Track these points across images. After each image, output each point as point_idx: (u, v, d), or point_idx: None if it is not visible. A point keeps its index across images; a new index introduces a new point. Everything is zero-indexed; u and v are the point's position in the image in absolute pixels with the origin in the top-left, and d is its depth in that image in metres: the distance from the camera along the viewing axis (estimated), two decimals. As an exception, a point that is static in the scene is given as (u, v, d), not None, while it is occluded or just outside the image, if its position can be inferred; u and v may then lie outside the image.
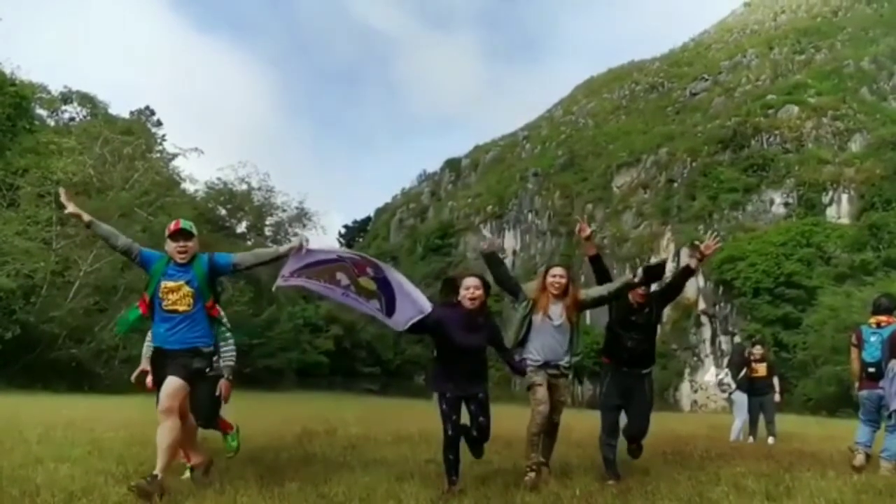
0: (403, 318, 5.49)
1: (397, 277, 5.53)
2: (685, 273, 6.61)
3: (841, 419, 24.33)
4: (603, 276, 6.38)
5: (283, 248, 5.39)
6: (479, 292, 5.44)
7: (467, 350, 5.42)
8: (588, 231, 6.28)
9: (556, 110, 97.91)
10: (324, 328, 54.23)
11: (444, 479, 5.40)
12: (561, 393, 6.20)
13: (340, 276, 5.48)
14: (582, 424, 9.46)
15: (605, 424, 6.34)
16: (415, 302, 5.49)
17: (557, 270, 6.23)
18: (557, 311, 6.10)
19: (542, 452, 6.00)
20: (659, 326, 6.57)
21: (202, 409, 6.07)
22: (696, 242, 6.66)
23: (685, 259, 45.01)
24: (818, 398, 34.24)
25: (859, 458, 7.23)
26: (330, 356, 53.77)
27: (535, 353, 6.08)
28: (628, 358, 6.32)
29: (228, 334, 6.40)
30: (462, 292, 5.47)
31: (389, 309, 5.51)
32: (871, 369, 7.46)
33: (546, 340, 6.06)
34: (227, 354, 6.55)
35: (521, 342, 6.16)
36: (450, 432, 5.38)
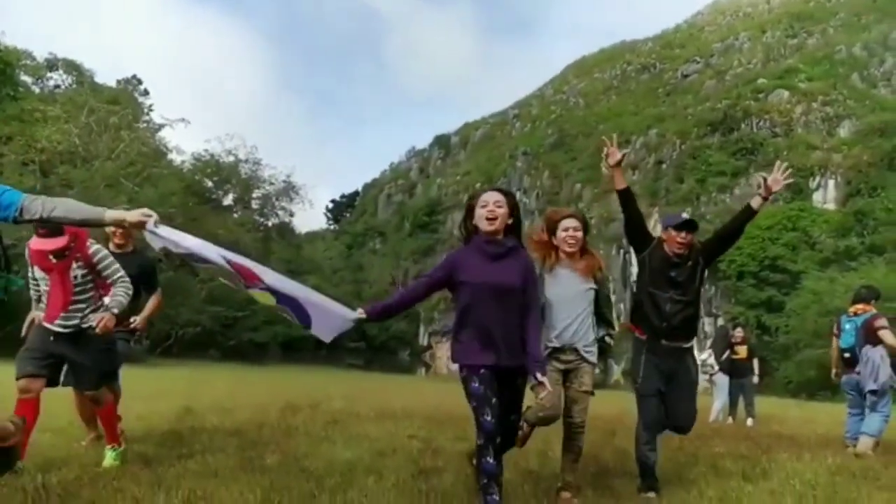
0: (327, 327, 4.30)
1: (301, 294, 4.25)
2: (746, 215, 4.90)
3: (820, 402, 24.67)
4: (634, 217, 4.92)
5: (109, 216, 3.54)
6: (502, 210, 3.98)
7: (498, 290, 3.90)
8: (618, 156, 4.71)
9: (547, 89, 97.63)
10: (310, 303, 54.16)
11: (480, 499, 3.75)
12: (582, 381, 4.55)
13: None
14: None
15: (645, 417, 4.82)
16: (335, 313, 4.28)
17: (571, 223, 4.66)
18: (572, 274, 4.63)
19: (563, 472, 4.56)
20: (700, 292, 5.03)
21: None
22: (763, 175, 4.95)
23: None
24: (798, 381, 34.60)
25: (851, 451, 7.40)
26: (315, 330, 53.77)
27: (546, 334, 4.51)
28: (668, 328, 4.81)
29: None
30: (479, 212, 4.02)
31: (301, 318, 4.28)
32: (846, 355, 7.89)
33: (559, 315, 4.55)
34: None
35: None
36: (488, 421, 3.72)
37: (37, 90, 42.03)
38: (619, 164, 4.74)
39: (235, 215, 53.48)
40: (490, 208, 3.97)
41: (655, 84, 77.84)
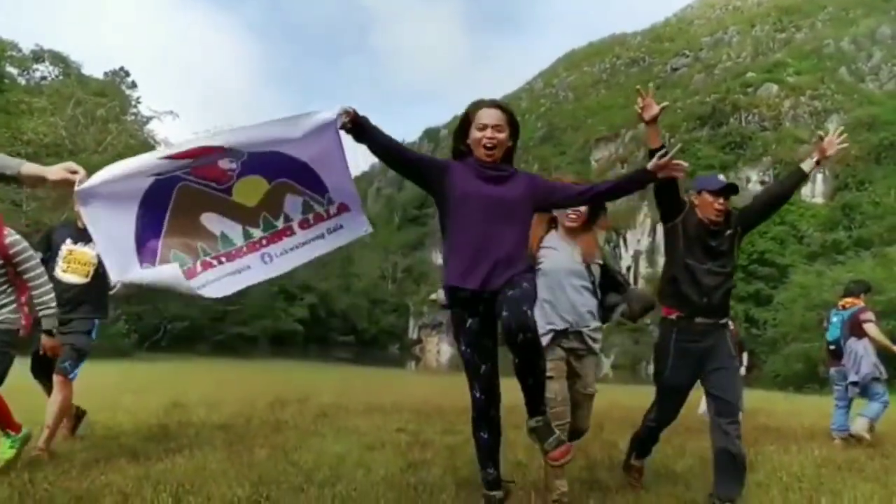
0: (338, 167, 3.41)
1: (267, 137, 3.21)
2: (797, 178, 4.37)
3: (807, 395, 24.84)
4: (668, 180, 4.00)
5: (25, 170, 2.93)
6: (503, 135, 3.42)
7: (495, 205, 3.35)
8: (655, 110, 3.97)
9: (537, 82, 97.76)
10: (298, 296, 54.24)
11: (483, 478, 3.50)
12: (586, 381, 4.18)
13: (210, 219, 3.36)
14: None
15: (662, 415, 4.48)
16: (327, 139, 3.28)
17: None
18: (572, 248, 4.19)
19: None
20: (736, 263, 4.49)
21: None
22: (821, 133, 4.25)
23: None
24: (786, 374, 34.88)
25: (837, 444, 7.48)
26: (304, 324, 53.87)
27: (544, 315, 4.04)
28: (706, 303, 4.21)
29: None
30: (475, 135, 3.42)
31: (318, 189, 3.47)
32: (832, 347, 8.08)
33: (560, 291, 4.11)
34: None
35: None
36: (478, 398, 3.40)
37: (23, 82, 41.77)
38: (655, 119, 4.00)
39: (224, 208, 53.34)
40: (489, 134, 3.39)
41: (645, 78, 77.85)
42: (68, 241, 5.10)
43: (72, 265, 5.07)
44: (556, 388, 4.00)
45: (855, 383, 7.64)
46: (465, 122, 3.50)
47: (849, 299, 8.01)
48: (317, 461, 4.85)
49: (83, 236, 4.96)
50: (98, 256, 4.87)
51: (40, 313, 4.32)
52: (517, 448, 5.45)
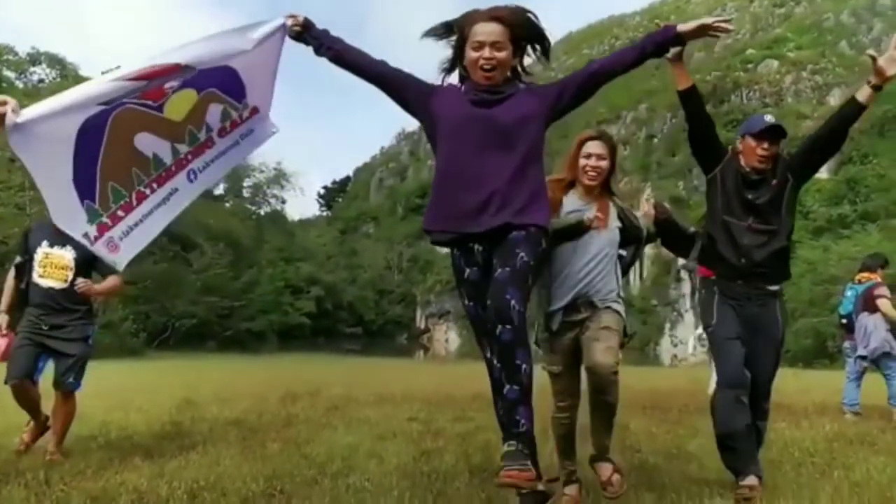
0: (264, 89, 3.48)
1: (218, 51, 3.15)
2: (852, 111, 3.71)
3: (817, 370, 24.84)
4: (702, 124, 3.77)
5: None
6: (503, 54, 2.92)
7: (478, 127, 2.92)
8: (681, 46, 3.38)
9: (536, 67, 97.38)
10: (305, 290, 54.35)
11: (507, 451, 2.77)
12: (601, 320, 3.50)
13: (145, 139, 3.28)
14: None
15: (726, 366, 3.73)
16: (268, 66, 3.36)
17: (595, 147, 3.68)
18: (587, 209, 3.68)
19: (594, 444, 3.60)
20: (792, 220, 3.85)
21: None
22: (872, 55, 3.44)
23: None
24: (795, 350, 34.82)
25: (848, 418, 7.49)
26: (311, 318, 54.01)
27: (556, 289, 3.59)
28: (747, 265, 3.71)
29: None
30: (470, 56, 2.96)
31: (234, 92, 3.39)
32: (844, 321, 8.12)
33: (567, 260, 3.60)
34: None
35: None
36: (492, 364, 2.86)
37: (20, 85, 41.77)
38: (680, 56, 3.51)
39: (227, 204, 53.54)
40: (486, 54, 2.89)
41: (644, 58, 77.72)
42: (44, 243, 4.81)
43: (48, 269, 4.78)
44: (562, 386, 3.66)
45: (863, 357, 7.66)
46: (460, 41, 3.01)
47: (864, 274, 8.00)
48: (329, 453, 4.86)
49: (60, 238, 4.66)
50: (75, 260, 4.77)
51: None
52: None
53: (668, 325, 52.00)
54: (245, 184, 55.66)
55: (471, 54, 2.94)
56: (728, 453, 3.68)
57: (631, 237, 3.83)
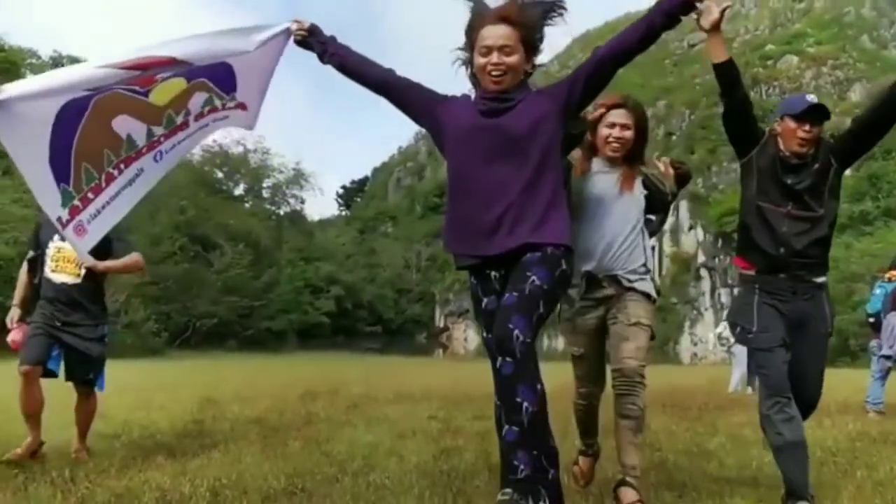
0: (255, 91, 3.41)
1: (214, 49, 3.07)
2: None
3: (839, 368, 24.56)
4: (738, 102, 3.42)
5: None
6: (513, 58, 2.70)
7: (485, 139, 2.71)
8: (716, 14, 3.07)
9: (552, 65, 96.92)
10: (324, 289, 54.56)
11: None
12: (629, 312, 3.26)
13: (123, 122, 3.20)
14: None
15: (770, 379, 3.32)
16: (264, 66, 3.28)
17: (619, 116, 3.43)
18: (610, 177, 3.43)
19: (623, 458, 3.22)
20: (836, 206, 3.49)
21: None
22: None
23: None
24: (817, 348, 34.51)
25: (872, 417, 7.43)
26: (331, 317, 54.22)
27: (582, 251, 3.23)
28: (787, 255, 3.37)
29: None
30: (478, 62, 2.75)
31: (225, 86, 3.31)
32: (872, 319, 8.04)
33: (591, 229, 3.33)
34: None
35: None
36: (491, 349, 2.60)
37: (43, 89, 42.20)
38: (718, 25, 3.16)
39: (247, 205, 53.79)
40: (494, 60, 2.68)
41: (662, 55, 77.18)
42: (56, 237, 4.64)
43: (60, 264, 4.67)
44: (585, 371, 3.44)
45: (888, 357, 7.57)
46: (469, 46, 2.80)
47: (894, 272, 7.89)
48: (350, 451, 4.89)
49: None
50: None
51: None
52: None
53: (687, 324, 51.70)
54: (265, 184, 55.94)
55: (479, 60, 2.73)
56: (783, 465, 3.35)
57: (658, 203, 3.60)
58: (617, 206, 3.38)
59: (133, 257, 4.83)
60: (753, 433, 5.88)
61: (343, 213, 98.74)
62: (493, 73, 2.70)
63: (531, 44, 2.75)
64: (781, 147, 3.43)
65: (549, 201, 2.68)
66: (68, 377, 4.77)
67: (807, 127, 3.34)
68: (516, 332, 2.40)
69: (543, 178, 2.68)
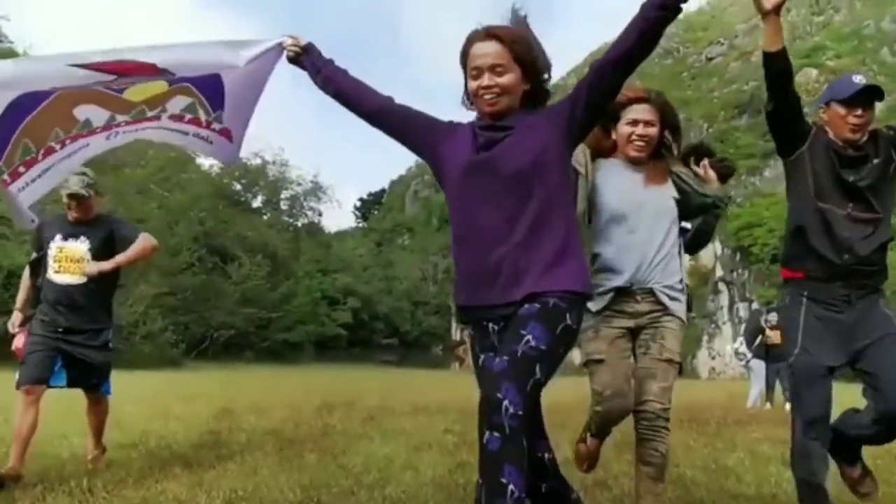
0: (240, 117, 3.14)
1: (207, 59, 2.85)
2: None
3: (859, 385, 24.25)
4: (786, 97, 3.05)
5: None
6: (506, 79, 2.39)
7: (478, 177, 2.39)
8: None
9: (570, 78, 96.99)
10: (341, 301, 54.66)
11: None
12: (663, 345, 2.98)
13: (84, 110, 2.97)
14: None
15: (807, 409, 3.08)
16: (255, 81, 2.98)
17: (643, 112, 3.10)
18: (636, 175, 3.12)
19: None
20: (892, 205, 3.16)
21: None
22: None
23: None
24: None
25: None
26: (348, 328, 54.26)
27: (603, 269, 3.03)
28: (848, 262, 3.01)
29: None
30: (470, 85, 2.46)
31: (214, 101, 3.04)
32: None
33: (623, 242, 3.01)
34: None
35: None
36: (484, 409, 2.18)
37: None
38: (778, 8, 2.87)
39: (265, 217, 54.08)
40: (485, 82, 2.39)
41: (679, 68, 76.98)
42: (58, 237, 4.54)
43: (63, 264, 4.50)
44: (604, 380, 2.96)
45: None
46: (463, 69, 2.50)
47: None
48: (365, 464, 4.89)
49: (75, 231, 4.54)
50: (90, 251, 4.51)
51: None
52: (563, 447, 5.43)
53: (705, 338, 51.27)
54: (283, 196, 56.23)
55: (471, 84, 2.45)
56: (800, 499, 3.14)
57: (694, 208, 3.19)
58: (646, 210, 3.03)
59: (141, 241, 4.62)
60: (772, 449, 5.83)
61: (360, 224, 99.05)
62: (486, 96, 2.41)
63: (527, 62, 2.42)
64: (832, 137, 3.10)
65: (560, 242, 2.33)
66: (72, 384, 4.64)
67: (858, 112, 3.03)
68: (506, 402, 2.10)
69: (552, 215, 2.34)
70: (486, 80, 2.39)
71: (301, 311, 49.11)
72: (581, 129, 2.46)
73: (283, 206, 56.58)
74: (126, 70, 2.75)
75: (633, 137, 3.08)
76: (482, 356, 2.46)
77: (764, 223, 47.44)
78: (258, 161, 52.19)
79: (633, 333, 3.03)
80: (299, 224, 57.62)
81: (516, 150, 2.35)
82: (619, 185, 3.09)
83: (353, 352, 53.45)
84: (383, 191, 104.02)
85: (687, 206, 3.15)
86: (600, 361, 2.99)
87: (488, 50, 2.39)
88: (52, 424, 5.91)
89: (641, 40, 2.38)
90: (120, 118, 3.02)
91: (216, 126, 3.14)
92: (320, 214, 59.15)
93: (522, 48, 2.41)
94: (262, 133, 48.73)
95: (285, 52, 2.82)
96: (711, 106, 62.33)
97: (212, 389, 14.12)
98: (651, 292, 2.99)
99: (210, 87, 2.98)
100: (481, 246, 2.36)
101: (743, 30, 77.38)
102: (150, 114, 3.05)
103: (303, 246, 54.75)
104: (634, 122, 3.08)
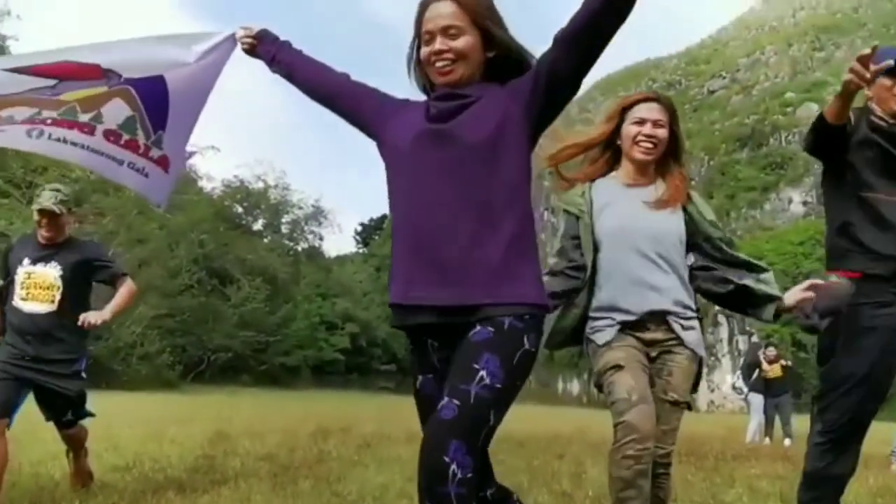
0: (184, 125, 2.83)
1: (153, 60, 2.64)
2: None
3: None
4: (830, 143, 2.80)
5: None
6: (460, 42, 2.00)
7: (427, 151, 1.98)
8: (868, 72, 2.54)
9: (573, 108, 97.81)
10: (339, 326, 54.55)
11: None
12: (670, 381, 2.72)
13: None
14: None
15: (836, 409, 2.79)
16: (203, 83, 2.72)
17: (651, 111, 2.78)
18: (643, 191, 2.81)
19: None
20: None
21: None
22: None
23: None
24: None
25: (894, 469, 7.28)
26: (346, 354, 54.12)
27: (609, 298, 2.74)
28: None
29: None
30: (423, 52, 2.08)
31: (156, 121, 2.74)
32: None
33: (631, 267, 2.71)
34: None
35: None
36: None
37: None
38: (873, 78, 2.61)
39: (265, 240, 54.14)
40: (437, 47, 2.02)
41: (681, 100, 77.51)
42: (26, 261, 4.12)
43: (31, 291, 4.07)
44: (627, 384, 2.57)
45: None
46: (416, 37, 2.13)
47: None
48: (360, 492, 4.84)
49: (45, 255, 4.12)
50: (62, 278, 4.09)
51: None
52: (561, 478, 5.40)
53: (704, 370, 51.12)
54: (284, 220, 56.37)
55: (423, 50, 2.08)
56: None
57: (696, 239, 2.82)
58: (653, 234, 2.71)
59: (125, 289, 4.33)
60: (771, 485, 5.78)
61: (361, 250, 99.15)
62: (438, 63, 2.03)
63: (486, 26, 2.03)
64: (880, 114, 2.80)
65: (512, 237, 1.93)
66: (47, 417, 4.34)
67: None
68: (453, 467, 1.73)
69: (510, 197, 1.97)
70: (438, 44, 2.02)
71: (299, 336, 49.02)
72: (543, 109, 2.03)
73: (284, 229, 56.69)
74: (68, 72, 2.56)
75: (640, 138, 2.76)
76: (420, 377, 2.06)
77: (764, 256, 47.52)
78: (260, 184, 52.46)
79: (649, 358, 2.74)
80: (300, 248, 57.70)
81: (474, 121, 1.98)
82: (620, 210, 2.79)
83: (351, 377, 53.27)
84: (384, 216, 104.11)
85: (689, 234, 2.81)
86: (620, 367, 2.62)
87: (442, 11, 2.02)
88: (44, 444, 5.87)
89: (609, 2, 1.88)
90: (46, 114, 2.66)
91: (154, 153, 2.82)
92: (321, 239, 59.26)
93: (481, 9, 2.04)
94: (265, 156, 48.94)
95: (239, 45, 2.55)
96: (713, 139, 62.68)
97: (208, 412, 14.04)
98: (663, 319, 2.71)
99: (153, 96, 2.70)
100: (424, 234, 1.95)
101: (745, 64, 78.07)
102: (82, 117, 2.68)
103: (303, 270, 54.77)
104: (641, 122, 2.77)
